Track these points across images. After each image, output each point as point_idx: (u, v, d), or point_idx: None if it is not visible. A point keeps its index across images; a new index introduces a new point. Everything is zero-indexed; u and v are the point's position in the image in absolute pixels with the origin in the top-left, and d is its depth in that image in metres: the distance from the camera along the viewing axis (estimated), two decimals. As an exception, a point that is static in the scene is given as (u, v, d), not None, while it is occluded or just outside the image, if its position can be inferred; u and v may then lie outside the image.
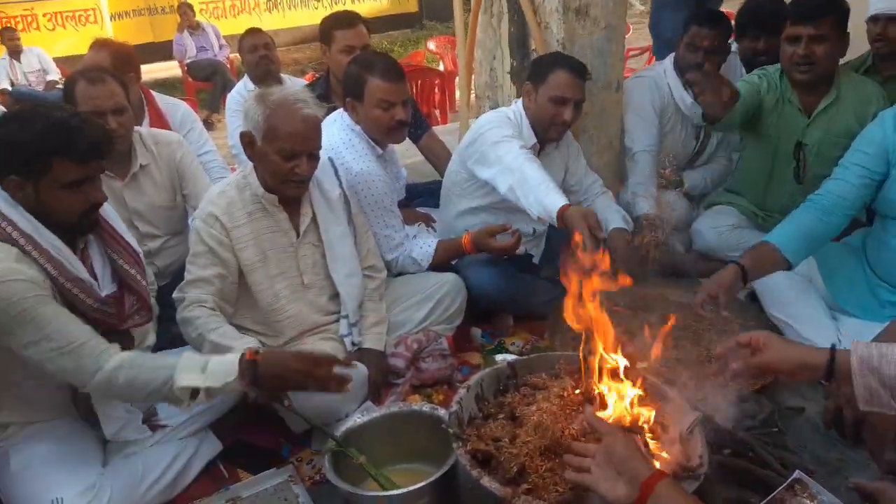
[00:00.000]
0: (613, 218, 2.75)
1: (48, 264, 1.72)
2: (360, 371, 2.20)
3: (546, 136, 2.68)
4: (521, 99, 2.73)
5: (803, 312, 2.34)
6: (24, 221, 1.73)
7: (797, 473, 1.79)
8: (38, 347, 1.67)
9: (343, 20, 3.24)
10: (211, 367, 1.74)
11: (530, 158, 2.50)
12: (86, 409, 1.92)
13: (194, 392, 1.72)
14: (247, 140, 2.13)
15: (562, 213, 2.29)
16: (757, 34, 3.20)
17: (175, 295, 2.14)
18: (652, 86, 3.13)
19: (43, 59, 7.57)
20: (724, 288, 2.15)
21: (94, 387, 1.72)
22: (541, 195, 2.36)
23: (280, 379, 1.76)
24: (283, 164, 2.08)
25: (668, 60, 3.20)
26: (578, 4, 2.76)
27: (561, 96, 2.55)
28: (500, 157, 2.52)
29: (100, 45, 3.07)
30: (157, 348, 2.26)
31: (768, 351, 1.49)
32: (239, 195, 2.17)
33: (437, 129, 3.67)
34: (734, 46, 3.44)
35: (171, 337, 2.55)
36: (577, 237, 2.12)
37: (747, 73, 3.27)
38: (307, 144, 2.11)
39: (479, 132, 2.64)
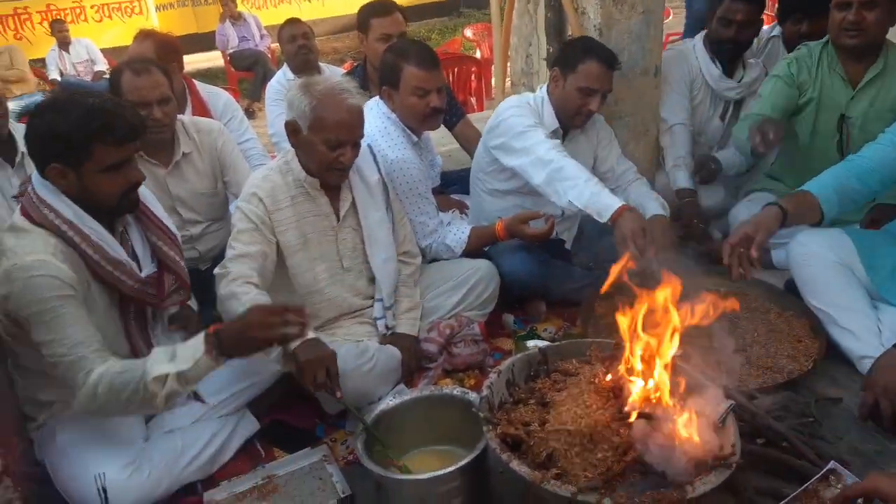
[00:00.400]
0: (651, 205, 2.73)
1: (89, 248, 1.78)
2: (393, 355, 2.24)
3: (570, 123, 2.68)
4: (545, 84, 2.72)
5: (843, 302, 2.29)
6: (66, 208, 1.78)
7: (832, 464, 1.77)
8: (49, 349, 1.73)
9: (380, 8, 3.27)
10: (179, 352, 1.75)
11: (563, 152, 2.51)
12: None
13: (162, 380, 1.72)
14: (291, 129, 2.16)
15: (617, 214, 2.34)
16: (800, 17, 3.13)
17: (217, 271, 2.12)
18: (680, 58, 3.12)
19: (91, 49, 7.76)
20: (762, 227, 2.09)
21: (82, 399, 1.73)
22: (592, 190, 2.39)
23: (243, 340, 1.74)
24: (329, 153, 2.12)
25: (699, 35, 3.17)
26: (616, -11, 2.72)
27: (589, 87, 2.54)
28: (528, 148, 2.53)
29: (144, 35, 3.15)
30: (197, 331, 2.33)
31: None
32: (282, 180, 2.21)
33: (473, 117, 3.68)
34: (777, 30, 3.36)
35: (210, 320, 2.63)
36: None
37: (789, 57, 3.22)
38: (353, 134, 2.14)
39: (500, 118, 2.66)
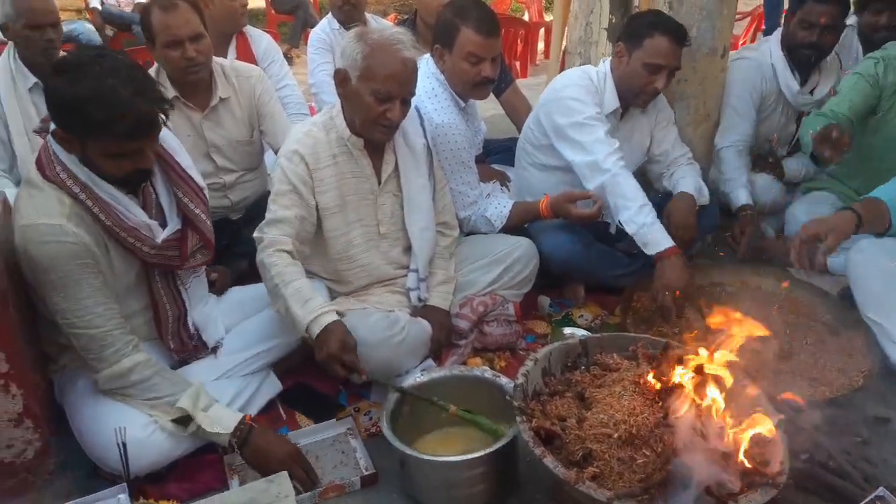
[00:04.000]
0: (683, 182, 2.60)
1: (102, 214, 1.69)
2: (424, 328, 2.16)
3: (633, 102, 2.55)
4: (608, 58, 2.57)
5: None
6: (79, 170, 1.68)
7: (880, 490, 1.69)
8: (67, 319, 1.69)
9: None
10: (213, 411, 1.79)
11: (623, 165, 2.45)
12: (175, 331, 1.96)
13: (184, 420, 1.77)
14: (340, 78, 2.05)
15: (665, 254, 2.37)
16: (880, 8, 2.92)
17: (255, 235, 2.07)
18: (755, 71, 2.89)
19: (133, -20, 7.62)
20: (837, 231, 1.97)
21: (107, 375, 1.74)
22: (645, 220, 2.40)
23: (262, 460, 1.78)
24: (376, 106, 2.01)
25: (775, 38, 2.92)
26: (692, -40, 2.55)
27: (656, 63, 2.39)
28: (586, 146, 2.47)
29: None
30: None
31: None
32: (325, 136, 2.11)
33: (518, 83, 3.52)
34: (852, 19, 3.16)
35: (239, 273, 2.58)
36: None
37: (865, 51, 3.02)
38: (403, 89, 2.02)
39: (559, 95, 2.54)
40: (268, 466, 1.75)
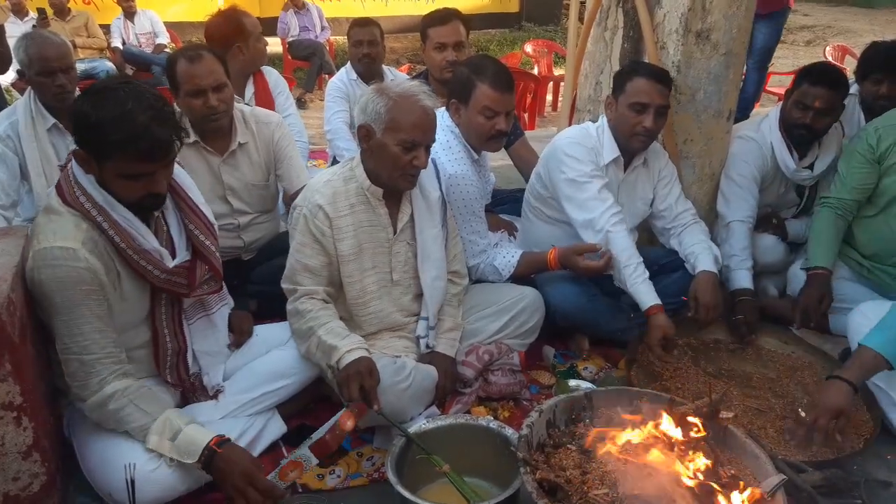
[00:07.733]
0: (702, 258, 2.61)
1: (117, 236, 1.75)
2: (429, 375, 2.18)
3: (629, 146, 2.60)
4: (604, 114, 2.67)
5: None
6: (97, 193, 1.75)
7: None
8: (62, 343, 1.73)
9: (437, 17, 3.23)
10: (181, 440, 1.76)
11: (617, 222, 2.53)
12: (173, 365, 1.99)
13: None
14: (363, 133, 2.12)
15: (651, 312, 2.45)
16: (880, 77, 3.01)
17: (285, 286, 2.20)
18: (757, 153, 2.90)
19: (155, 22, 7.83)
20: (843, 413, 2.07)
21: (90, 405, 1.77)
22: (638, 280, 2.49)
23: (225, 479, 1.74)
24: (403, 155, 2.08)
25: (774, 117, 2.92)
26: (700, 27, 2.63)
27: (639, 102, 2.47)
28: (583, 204, 2.56)
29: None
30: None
31: None
32: (344, 186, 2.18)
33: (526, 134, 3.60)
34: (854, 88, 3.25)
35: (246, 310, 2.61)
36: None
37: (866, 118, 3.10)
38: (426, 136, 2.11)
39: (556, 151, 2.63)
40: (225, 485, 1.75)
